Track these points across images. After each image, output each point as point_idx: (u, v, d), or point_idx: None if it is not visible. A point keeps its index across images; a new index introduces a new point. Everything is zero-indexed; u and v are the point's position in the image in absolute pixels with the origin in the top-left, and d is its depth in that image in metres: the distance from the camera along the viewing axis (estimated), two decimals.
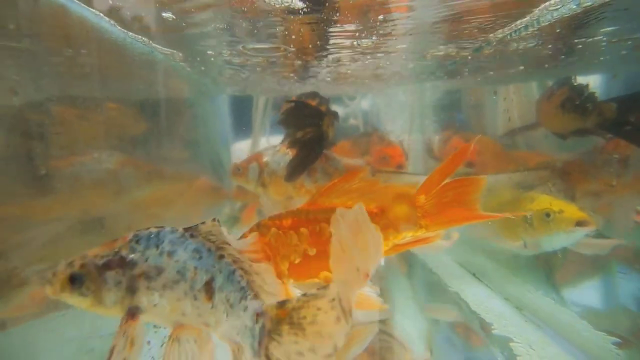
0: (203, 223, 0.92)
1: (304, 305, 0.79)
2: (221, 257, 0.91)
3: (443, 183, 1.37)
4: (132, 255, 0.88)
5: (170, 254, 0.89)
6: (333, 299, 0.77)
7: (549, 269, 2.13)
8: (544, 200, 1.88)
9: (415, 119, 3.82)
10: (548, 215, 1.81)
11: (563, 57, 2.19)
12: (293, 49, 2.15)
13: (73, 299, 0.88)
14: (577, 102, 1.98)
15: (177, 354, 0.90)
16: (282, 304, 0.83)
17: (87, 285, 0.87)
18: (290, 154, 2.09)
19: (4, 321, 1.06)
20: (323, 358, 0.76)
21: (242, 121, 4.15)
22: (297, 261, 1.32)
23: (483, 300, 2.06)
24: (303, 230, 1.36)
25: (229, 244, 0.92)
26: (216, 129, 3.97)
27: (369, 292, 1.45)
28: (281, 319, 0.81)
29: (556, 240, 1.83)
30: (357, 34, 1.81)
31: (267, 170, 2.17)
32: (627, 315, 1.77)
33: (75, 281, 0.87)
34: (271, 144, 4.02)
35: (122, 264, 0.88)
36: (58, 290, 0.87)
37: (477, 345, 1.72)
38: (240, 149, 4.13)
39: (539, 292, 2.02)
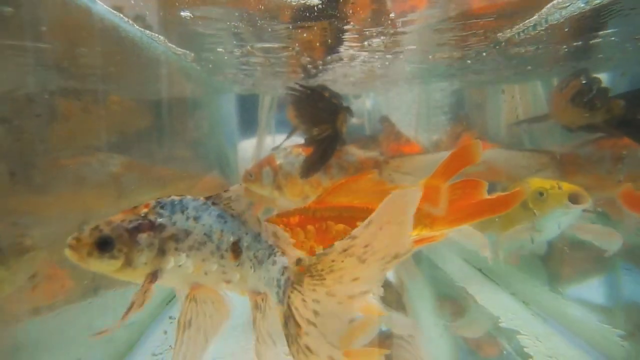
0: (226, 191, 1.01)
1: (319, 261, 0.86)
2: (245, 222, 1.02)
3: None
4: (160, 220, 0.95)
5: (196, 218, 0.97)
6: (344, 250, 0.81)
7: (555, 265, 2.16)
8: (536, 181, 1.86)
9: (421, 117, 3.84)
10: (541, 194, 1.79)
11: (573, 56, 2.19)
12: (302, 48, 2.18)
13: (101, 263, 0.91)
14: (587, 96, 1.96)
15: (195, 312, 1.00)
16: (298, 262, 0.93)
17: (119, 247, 0.91)
18: (303, 154, 2.10)
19: None
20: (342, 299, 0.83)
21: (248, 120, 4.18)
22: None
23: (490, 295, 2.09)
24: (310, 227, 1.38)
25: (249, 214, 1.02)
26: (223, 127, 4.00)
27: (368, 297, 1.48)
28: (301, 273, 0.90)
29: (554, 219, 1.80)
30: (368, 33, 1.84)
31: (281, 172, 2.16)
32: (631, 309, 1.80)
33: (105, 245, 0.90)
34: (277, 142, 4.07)
35: (153, 227, 0.94)
36: (84, 255, 0.89)
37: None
38: (246, 148, 4.17)
39: (545, 287, 2.05)
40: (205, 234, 0.97)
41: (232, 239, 0.99)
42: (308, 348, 0.82)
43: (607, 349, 1.55)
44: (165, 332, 1.68)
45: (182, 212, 0.97)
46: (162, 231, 0.95)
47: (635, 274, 1.87)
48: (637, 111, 1.81)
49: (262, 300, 1.03)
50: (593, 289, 2.09)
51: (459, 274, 2.39)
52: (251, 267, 1.01)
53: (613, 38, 1.81)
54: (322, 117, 1.98)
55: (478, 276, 2.36)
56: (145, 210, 0.96)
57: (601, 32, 1.77)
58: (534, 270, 2.18)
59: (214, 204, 1.00)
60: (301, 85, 2.06)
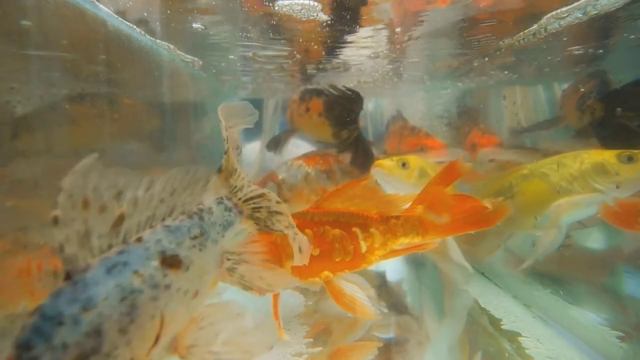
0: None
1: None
2: (126, 242, 0.76)
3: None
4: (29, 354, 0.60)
5: (86, 307, 0.65)
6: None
7: (556, 268, 2.19)
8: (598, 152, 1.74)
9: (425, 119, 3.86)
10: (630, 158, 1.66)
11: (573, 61, 2.21)
12: (307, 55, 2.22)
13: None
14: (587, 99, 1.90)
15: (209, 332, 0.85)
16: (232, 192, 1.13)
17: None
18: (304, 165, 2.13)
19: None
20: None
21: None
22: None
23: (492, 298, 2.12)
24: (308, 231, 1.43)
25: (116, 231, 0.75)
26: None
27: (363, 298, 1.51)
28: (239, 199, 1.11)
29: None
30: (375, 44, 1.88)
31: (285, 186, 2.18)
32: (630, 311, 1.82)
33: None
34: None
35: None
36: None
37: None
38: (249, 152, 4.21)
39: (547, 290, 2.08)
40: (121, 298, 0.69)
41: (154, 262, 0.76)
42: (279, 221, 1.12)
43: (607, 350, 1.57)
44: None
45: (59, 323, 0.63)
46: None
47: (636, 278, 1.90)
48: (612, 113, 1.71)
49: (227, 259, 0.97)
50: (594, 291, 2.12)
51: (462, 277, 2.41)
52: (200, 250, 0.85)
53: (600, 50, 1.83)
54: (350, 118, 2.01)
55: (481, 280, 2.39)
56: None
57: (595, 43, 1.79)
58: (535, 274, 2.20)
59: (78, 273, 0.67)
60: (335, 87, 2.09)
